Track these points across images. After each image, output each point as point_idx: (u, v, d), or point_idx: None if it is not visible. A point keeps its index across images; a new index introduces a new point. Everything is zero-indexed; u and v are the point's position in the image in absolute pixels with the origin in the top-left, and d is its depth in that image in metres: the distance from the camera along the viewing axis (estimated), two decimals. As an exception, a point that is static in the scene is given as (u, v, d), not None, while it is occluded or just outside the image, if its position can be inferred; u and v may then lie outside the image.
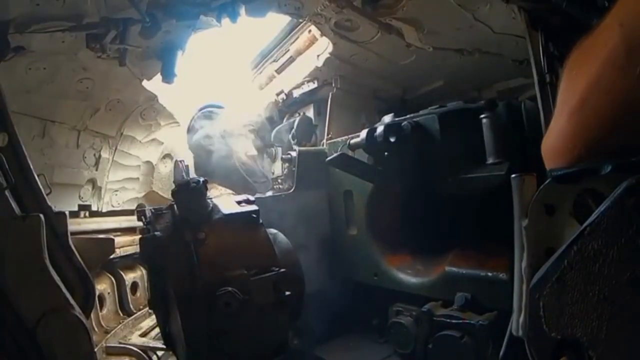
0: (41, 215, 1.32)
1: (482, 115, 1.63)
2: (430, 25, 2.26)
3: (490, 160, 1.61)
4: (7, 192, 1.33)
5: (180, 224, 1.54)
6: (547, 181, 0.54)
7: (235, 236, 1.58)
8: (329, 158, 2.08)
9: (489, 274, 1.64)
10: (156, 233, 1.51)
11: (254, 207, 1.70)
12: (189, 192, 1.57)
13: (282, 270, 1.55)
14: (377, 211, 2.22)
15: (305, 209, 2.31)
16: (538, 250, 0.53)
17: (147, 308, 2.84)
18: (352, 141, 2.02)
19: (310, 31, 2.66)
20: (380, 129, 1.86)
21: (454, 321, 1.64)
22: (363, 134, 1.93)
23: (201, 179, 1.61)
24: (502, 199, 1.21)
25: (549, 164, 0.55)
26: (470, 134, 1.68)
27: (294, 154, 2.47)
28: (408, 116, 1.89)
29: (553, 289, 0.46)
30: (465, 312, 1.65)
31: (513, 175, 0.64)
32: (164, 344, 1.74)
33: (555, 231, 0.52)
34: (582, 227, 0.44)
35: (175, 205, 1.61)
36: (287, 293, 1.52)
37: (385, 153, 1.88)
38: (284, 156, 2.73)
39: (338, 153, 2.04)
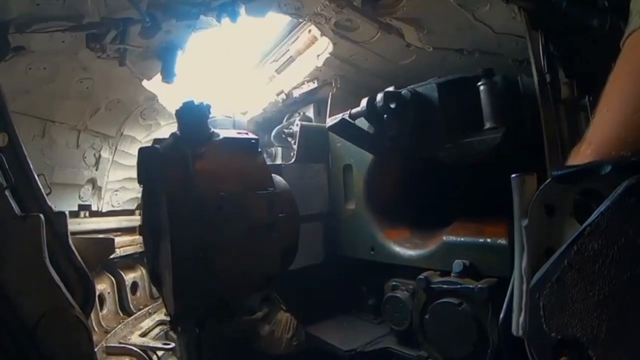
0: (41, 215, 1.32)
1: (479, 83, 1.67)
2: (430, 25, 2.26)
3: (487, 126, 1.65)
4: (7, 192, 1.33)
5: (180, 140, 1.51)
6: (547, 181, 0.54)
7: (234, 157, 1.55)
8: (329, 124, 2.10)
9: (488, 240, 1.65)
10: (156, 145, 1.47)
11: (253, 136, 1.68)
12: (192, 111, 1.53)
13: (278, 191, 1.52)
14: (376, 185, 2.24)
15: (305, 180, 2.34)
16: (538, 250, 0.53)
17: (147, 308, 2.84)
18: (353, 110, 2.05)
19: (310, 31, 2.66)
20: (380, 96, 1.90)
21: (451, 287, 1.63)
22: (363, 102, 1.97)
23: (205, 102, 1.58)
24: (498, 166, 1.23)
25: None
26: (468, 102, 1.72)
27: (295, 128, 2.50)
28: (408, 87, 1.94)
29: (553, 289, 0.46)
30: (464, 278, 1.64)
31: (513, 175, 0.64)
32: (151, 282, 1.68)
33: (555, 231, 0.52)
34: (582, 227, 0.44)
35: (177, 128, 1.59)
36: (281, 215, 1.48)
37: (385, 116, 1.90)
38: (286, 130, 2.74)
39: (339, 119, 2.05)
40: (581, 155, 0.55)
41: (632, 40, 0.56)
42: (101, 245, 2.58)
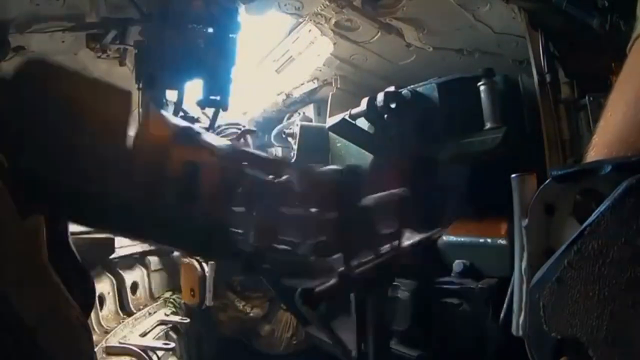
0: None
1: (479, 83, 1.67)
2: (430, 25, 2.26)
3: (487, 126, 1.65)
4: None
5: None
6: (547, 181, 0.54)
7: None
8: (329, 124, 2.11)
9: (488, 240, 1.65)
10: None
11: None
12: None
13: None
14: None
15: None
16: (538, 250, 0.53)
17: (147, 308, 2.84)
18: (354, 111, 2.05)
19: (310, 31, 2.66)
20: (380, 96, 1.91)
21: (451, 287, 1.63)
22: (364, 102, 1.98)
23: None
24: (498, 166, 1.23)
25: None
26: (468, 102, 1.72)
27: (295, 128, 2.51)
28: (408, 87, 1.94)
29: (553, 289, 0.46)
30: (464, 278, 1.64)
31: (513, 175, 0.64)
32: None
33: (555, 231, 0.52)
34: (582, 227, 0.44)
35: None
36: None
37: (385, 116, 1.91)
38: (286, 130, 2.74)
39: (339, 119, 2.06)
40: (587, 160, 0.55)
41: (637, 46, 0.56)
42: (101, 245, 2.57)
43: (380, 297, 1.50)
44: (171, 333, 2.66)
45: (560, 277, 0.46)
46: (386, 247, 1.40)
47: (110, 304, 2.75)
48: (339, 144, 2.41)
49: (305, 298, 1.12)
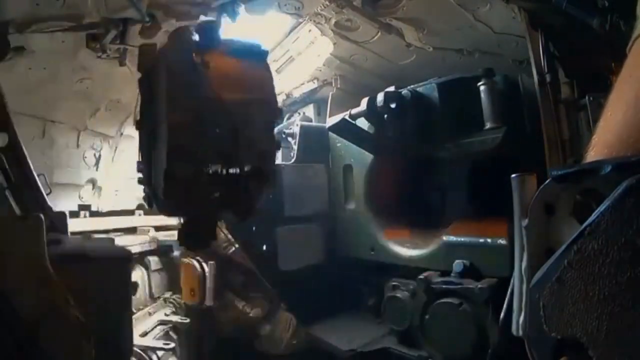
0: (42, 215, 1.32)
1: (479, 83, 1.67)
2: (430, 25, 2.26)
3: (488, 126, 1.65)
4: (7, 192, 1.33)
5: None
6: (547, 181, 0.54)
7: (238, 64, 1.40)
8: (330, 124, 2.11)
9: (488, 240, 1.66)
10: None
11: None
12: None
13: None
14: (376, 185, 2.26)
15: (305, 180, 2.35)
16: (538, 250, 0.53)
17: (147, 308, 2.84)
18: (354, 111, 2.06)
19: (310, 31, 2.66)
20: (380, 96, 1.91)
21: (451, 287, 1.64)
22: (364, 102, 1.98)
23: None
24: (498, 166, 1.23)
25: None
26: (468, 102, 1.72)
27: (295, 128, 2.52)
28: (408, 87, 1.94)
29: (553, 289, 0.46)
30: (464, 278, 1.64)
31: (513, 175, 0.64)
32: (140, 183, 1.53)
33: (555, 231, 0.52)
34: (582, 227, 0.44)
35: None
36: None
37: (385, 116, 1.91)
38: (286, 130, 2.75)
39: (339, 119, 2.06)
40: (587, 159, 0.55)
41: (637, 46, 0.56)
42: (101, 245, 2.57)
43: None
44: (171, 333, 2.66)
45: (560, 277, 0.46)
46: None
47: (110, 304, 2.74)
48: (339, 144, 2.41)
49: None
